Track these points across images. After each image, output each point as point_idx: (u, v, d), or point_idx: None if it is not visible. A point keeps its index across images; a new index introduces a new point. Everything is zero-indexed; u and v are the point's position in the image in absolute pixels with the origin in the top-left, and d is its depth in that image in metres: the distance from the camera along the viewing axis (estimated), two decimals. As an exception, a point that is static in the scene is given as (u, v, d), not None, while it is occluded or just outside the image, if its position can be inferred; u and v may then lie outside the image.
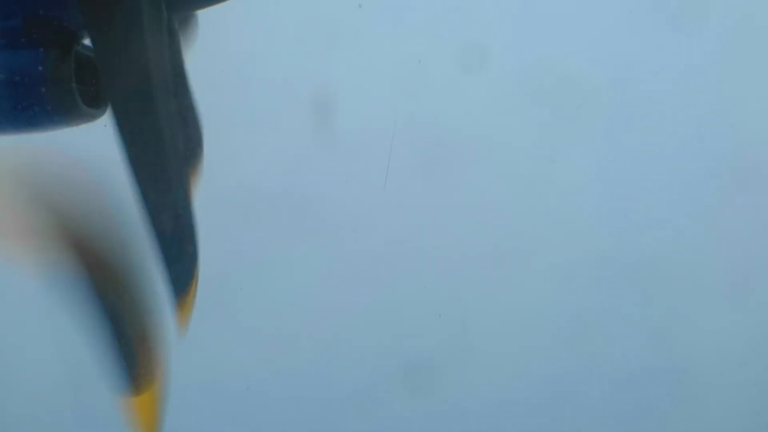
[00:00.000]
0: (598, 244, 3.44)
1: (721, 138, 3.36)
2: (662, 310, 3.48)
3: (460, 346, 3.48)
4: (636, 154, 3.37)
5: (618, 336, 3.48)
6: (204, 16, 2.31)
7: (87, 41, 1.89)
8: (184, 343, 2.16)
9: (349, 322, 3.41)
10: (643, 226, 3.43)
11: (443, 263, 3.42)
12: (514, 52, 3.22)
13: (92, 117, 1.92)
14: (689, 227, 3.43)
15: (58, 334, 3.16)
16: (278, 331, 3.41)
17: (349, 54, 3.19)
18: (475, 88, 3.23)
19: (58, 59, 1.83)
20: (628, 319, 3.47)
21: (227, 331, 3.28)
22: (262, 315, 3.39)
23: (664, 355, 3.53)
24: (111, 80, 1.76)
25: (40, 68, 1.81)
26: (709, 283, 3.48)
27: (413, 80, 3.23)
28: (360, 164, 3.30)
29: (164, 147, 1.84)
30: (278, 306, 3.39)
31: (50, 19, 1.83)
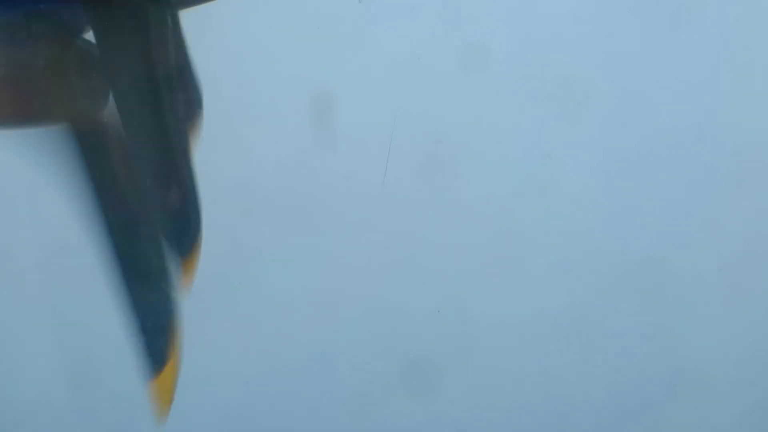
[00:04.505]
0: (597, 242, 3.44)
1: (722, 137, 3.36)
2: (662, 310, 3.48)
3: (459, 343, 3.48)
4: (636, 152, 3.37)
5: (618, 335, 3.48)
6: (203, 13, 2.31)
7: (88, 35, 1.88)
8: (182, 338, 2.16)
9: (347, 318, 3.41)
10: (643, 225, 3.43)
11: (442, 260, 3.42)
12: (514, 49, 3.22)
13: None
14: (689, 226, 3.43)
15: (59, 332, 3.16)
16: (277, 327, 3.40)
17: (348, 49, 3.19)
18: (475, 85, 3.22)
19: (59, 53, 1.83)
20: (628, 318, 3.47)
21: (225, 327, 3.28)
22: (260, 311, 3.38)
23: (664, 355, 3.53)
24: (113, 75, 1.76)
25: (40, 62, 1.81)
26: (709, 283, 3.47)
27: (412, 76, 3.23)
28: (358, 161, 3.30)
29: (167, 131, 1.84)
30: (276, 302, 3.38)
31: (51, 13, 1.83)
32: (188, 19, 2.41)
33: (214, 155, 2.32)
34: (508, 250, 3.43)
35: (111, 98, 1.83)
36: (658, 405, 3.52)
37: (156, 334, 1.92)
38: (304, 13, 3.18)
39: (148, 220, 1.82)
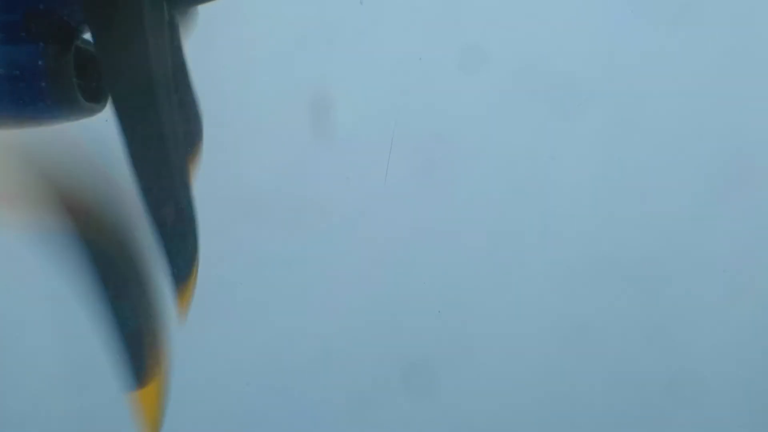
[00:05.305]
0: (598, 243, 3.44)
1: (721, 137, 3.36)
2: (662, 310, 3.48)
3: (459, 344, 3.48)
4: (636, 153, 3.37)
5: (617, 336, 3.48)
6: (204, 13, 2.32)
7: (87, 35, 1.89)
8: (183, 338, 2.15)
9: (348, 319, 3.42)
10: (643, 226, 3.43)
11: (443, 261, 3.42)
12: (514, 50, 3.23)
13: (92, 112, 1.93)
14: (689, 227, 3.43)
15: (61, 330, 3.17)
16: (277, 328, 3.41)
17: (350, 51, 3.20)
18: (476, 86, 3.23)
19: (58, 54, 1.83)
20: (628, 319, 3.47)
21: (226, 327, 3.29)
22: (260, 311, 3.39)
23: (664, 356, 3.53)
24: (112, 74, 1.76)
25: (40, 62, 1.81)
26: (709, 283, 3.47)
27: (414, 77, 3.24)
28: (360, 162, 3.31)
29: (165, 141, 1.84)
30: (277, 302, 3.39)
31: (50, 14, 1.83)
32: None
33: (215, 155, 2.32)
34: (509, 251, 3.43)
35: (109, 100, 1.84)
36: (658, 405, 3.52)
37: (182, 249, 1.91)
38: (306, 14, 3.19)
39: (170, 141, 1.82)
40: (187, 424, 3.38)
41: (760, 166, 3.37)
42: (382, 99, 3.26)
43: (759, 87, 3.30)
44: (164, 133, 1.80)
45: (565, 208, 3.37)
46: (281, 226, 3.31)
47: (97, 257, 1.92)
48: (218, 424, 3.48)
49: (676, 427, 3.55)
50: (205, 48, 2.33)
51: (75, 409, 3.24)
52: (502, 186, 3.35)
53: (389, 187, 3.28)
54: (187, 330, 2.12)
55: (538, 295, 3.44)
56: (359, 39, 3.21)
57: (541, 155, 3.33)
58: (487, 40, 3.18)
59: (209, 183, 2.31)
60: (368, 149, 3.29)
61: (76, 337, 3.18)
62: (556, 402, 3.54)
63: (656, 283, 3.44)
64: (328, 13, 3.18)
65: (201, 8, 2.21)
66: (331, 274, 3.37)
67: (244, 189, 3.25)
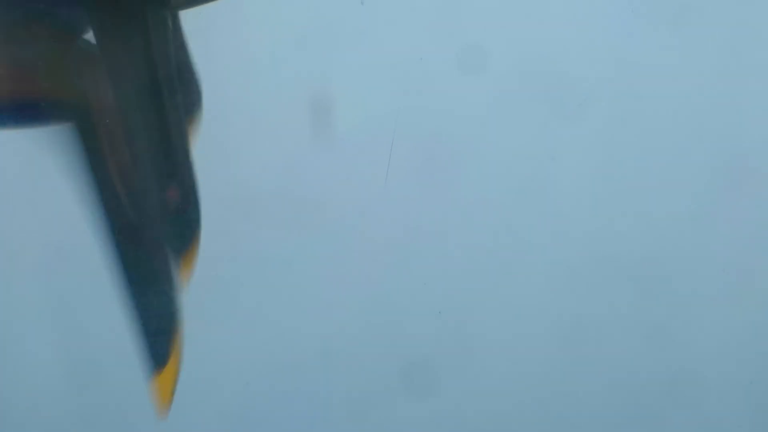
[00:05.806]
0: (599, 243, 3.44)
1: (721, 138, 3.36)
2: (662, 310, 3.48)
3: (460, 345, 3.48)
4: (636, 153, 3.37)
5: (617, 335, 3.48)
6: (203, 13, 2.32)
7: (87, 35, 1.89)
8: (183, 338, 2.16)
9: (348, 320, 3.41)
10: (643, 226, 3.43)
11: (443, 262, 3.42)
12: (516, 51, 3.23)
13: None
14: (689, 227, 3.43)
15: (60, 329, 3.17)
16: (277, 328, 3.41)
17: (351, 51, 3.19)
18: (476, 86, 3.23)
19: (59, 54, 1.84)
20: (628, 319, 3.47)
21: (226, 327, 3.29)
22: (260, 311, 3.39)
23: (664, 356, 3.53)
24: (114, 75, 1.77)
25: (40, 63, 1.82)
26: (709, 283, 3.47)
27: (415, 78, 3.24)
28: (360, 162, 3.31)
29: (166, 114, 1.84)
30: (277, 302, 3.39)
31: (50, 14, 1.83)
32: (190, 19, 2.42)
33: (215, 155, 2.32)
34: (509, 252, 3.43)
35: (110, 99, 1.84)
36: (659, 405, 3.52)
37: (158, 333, 1.93)
38: (306, 14, 3.19)
39: (150, 219, 1.82)
40: (187, 424, 3.38)
41: (760, 166, 3.37)
42: (382, 99, 3.26)
43: (759, 87, 3.30)
44: (167, 123, 1.80)
45: (566, 209, 3.38)
46: (281, 226, 3.30)
47: None
48: (218, 424, 3.47)
49: (676, 427, 3.55)
50: (205, 48, 2.34)
51: (75, 409, 3.23)
52: (503, 186, 3.36)
53: (389, 187, 3.28)
54: (186, 330, 2.13)
55: (538, 295, 3.44)
56: (360, 39, 3.21)
57: (541, 156, 3.33)
58: (487, 40, 3.18)
59: (209, 183, 2.31)
60: (368, 149, 3.29)
61: (76, 336, 3.18)
62: (556, 402, 3.54)
63: (656, 283, 3.44)
64: (329, 13, 3.18)
65: (201, 8, 2.21)
66: (331, 274, 3.37)
67: (244, 189, 3.25)
